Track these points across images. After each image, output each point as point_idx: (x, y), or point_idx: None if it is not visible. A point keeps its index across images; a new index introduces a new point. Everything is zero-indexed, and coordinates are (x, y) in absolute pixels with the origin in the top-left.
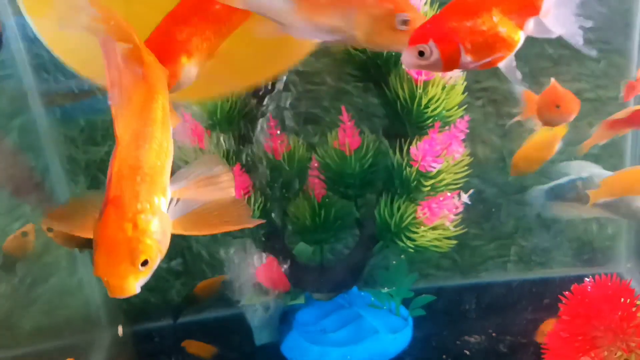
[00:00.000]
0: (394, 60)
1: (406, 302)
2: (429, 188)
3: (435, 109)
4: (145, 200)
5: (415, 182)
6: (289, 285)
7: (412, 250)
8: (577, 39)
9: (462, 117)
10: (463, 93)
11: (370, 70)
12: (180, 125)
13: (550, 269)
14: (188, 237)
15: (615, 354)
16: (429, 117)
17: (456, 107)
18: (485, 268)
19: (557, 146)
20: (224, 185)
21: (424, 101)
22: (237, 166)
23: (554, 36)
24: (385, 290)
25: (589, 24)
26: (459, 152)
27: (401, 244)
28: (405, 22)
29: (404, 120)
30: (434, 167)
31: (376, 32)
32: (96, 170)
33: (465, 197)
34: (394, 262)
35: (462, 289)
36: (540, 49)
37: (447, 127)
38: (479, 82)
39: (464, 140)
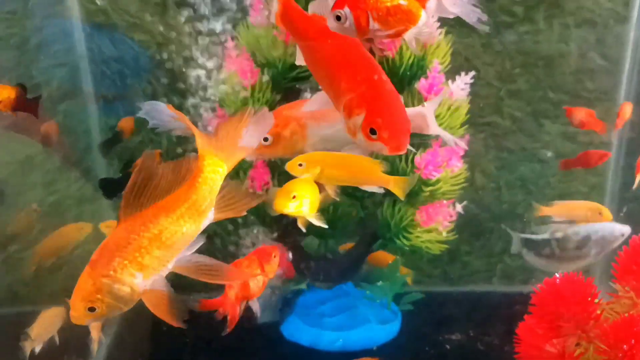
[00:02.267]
0: (408, 79)
1: (397, 300)
2: (427, 194)
3: (439, 125)
4: (112, 270)
5: (416, 188)
6: (294, 272)
7: (407, 249)
8: (470, 17)
9: (463, 136)
10: (463, 125)
11: None
12: (214, 121)
13: (531, 285)
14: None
15: (576, 344)
16: None
17: (459, 126)
18: (472, 280)
19: None
20: (215, 276)
21: None
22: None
23: (451, 16)
24: (380, 283)
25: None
26: (457, 167)
27: (398, 242)
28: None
29: (411, 135)
30: (434, 176)
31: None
32: (129, 155)
33: (459, 207)
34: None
35: (449, 295)
36: (543, 92)
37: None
38: (483, 117)
39: (462, 157)
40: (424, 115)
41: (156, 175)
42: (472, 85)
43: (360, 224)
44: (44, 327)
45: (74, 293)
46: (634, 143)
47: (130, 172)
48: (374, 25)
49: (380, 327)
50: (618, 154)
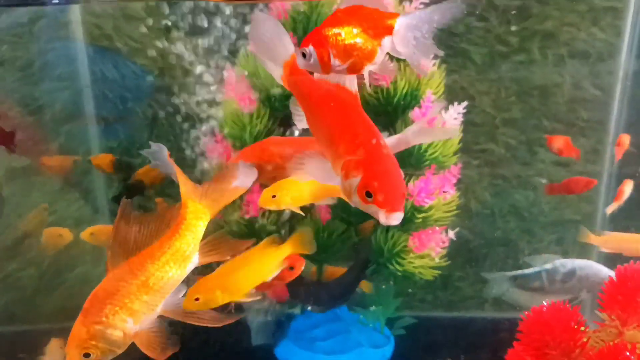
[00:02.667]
0: (402, 108)
1: (390, 325)
2: (420, 220)
3: (432, 153)
4: (104, 317)
5: (409, 214)
6: (288, 295)
7: (400, 274)
8: (413, 59)
9: (455, 163)
10: (457, 153)
11: (381, 115)
12: (212, 146)
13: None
14: None
15: None
16: (426, 160)
17: (451, 155)
18: (464, 306)
19: None
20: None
21: (424, 146)
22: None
23: (402, 56)
24: (373, 308)
25: (431, 48)
26: (450, 194)
27: (391, 267)
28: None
29: (405, 161)
30: (427, 203)
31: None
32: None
33: (451, 234)
34: (383, 286)
35: (441, 320)
36: (537, 121)
37: (441, 171)
38: (478, 144)
39: (455, 185)
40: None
41: (138, 223)
42: (467, 113)
43: (353, 249)
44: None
45: (69, 341)
46: (625, 173)
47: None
48: (334, 61)
49: (373, 351)
50: (608, 182)
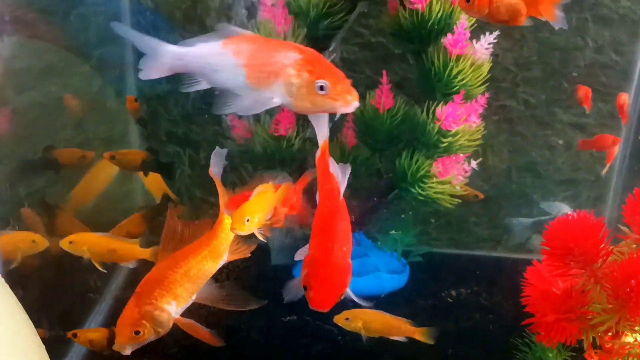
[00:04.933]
0: (435, 33)
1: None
2: (446, 145)
3: (462, 79)
4: (154, 299)
5: (435, 138)
6: (309, 218)
7: (421, 199)
8: None
9: (483, 93)
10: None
11: (414, 40)
12: None
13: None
14: None
15: (585, 284)
16: (455, 86)
17: (479, 84)
18: (477, 246)
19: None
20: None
21: (454, 72)
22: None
23: None
24: (393, 232)
25: None
26: (475, 123)
27: (414, 191)
28: (322, 88)
29: (434, 87)
30: (453, 128)
31: (299, 97)
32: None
33: (474, 164)
34: (403, 215)
35: (456, 256)
36: (557, 82)
37: (469, 101)
38: (499, 100)
39: (480, 115)
40: None
41: (182, 225)
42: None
43: (377, 174)
44: None
45: (121, 321)
46: None
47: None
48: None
49: (389, 276)
50: (624, 148)
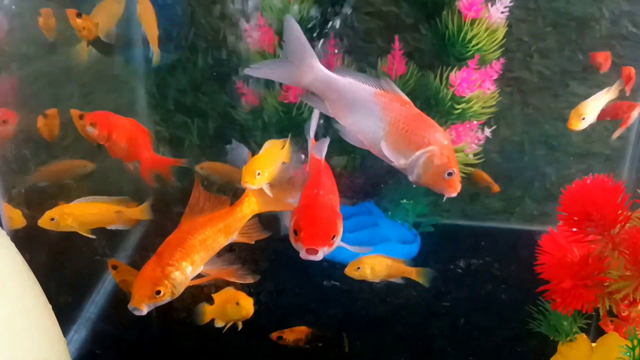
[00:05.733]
0: None
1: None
2: (459, 111)
3: (476, 44)
4: (175, 261)
5: (448, 104)
6: None
7: None
8: None
9: (498, 59)
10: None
11: (428, 3)
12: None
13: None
14: None
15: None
16: (469, 51)
17: (494, 49)
18: (490, 218)
19: None
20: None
21: (468, 36)
22: None
23: None
24: (404, 201)
25: None
26: (490, 89)
27: None
28: (450, 175)
29: (448, 52)
30: (467, 93)
31: (427, 173)
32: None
33: (487, 132)
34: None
35: (468, 228)
36: (572, 54)
37: (483, 66)
38: (512, 72)
39: (495, 81)
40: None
41: (204, 197)
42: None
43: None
44: None
45: (140, 280)
46: None
47: None
48: None
49: (400, 247)
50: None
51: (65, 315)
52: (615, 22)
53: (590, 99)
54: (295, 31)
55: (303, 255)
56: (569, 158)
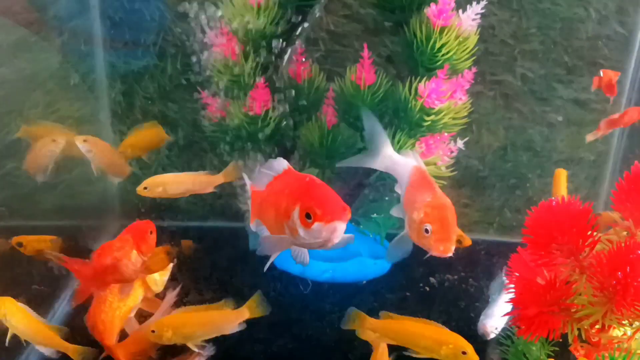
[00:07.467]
0: (417, 3)
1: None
2: (429, 123)
3: (446, 53)
4: None
5: (417, 116)
6: None
7: None
8: None
9: (469, 68)
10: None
11: (396, 10)
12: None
13: None
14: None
15: (570, 275)
16: (439, 60)
17: (466, 57)
18: (469, 229)
19: None
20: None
21: (437, 44)
22: (262, 79)
23: None
24: (375, 216)
25: None
26: (461, 100)
27: None
28: (427, 231)
29: (417, 61)
30: (437, 105)
31: (411, 231)
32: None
33: (460, 144)
34: (387, 197)
35: None
36: (558, 55)
37: (454, 76)
38: (495, 75)
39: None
40: None
41: None
42: (484, 41)
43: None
44: None
45: None
46: None
47: None
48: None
49: (371, 262)
50: None
51: None
52: (601, 23)
53: None
54: (372, 120)
55: (324, 234)
56: (553, 164)
